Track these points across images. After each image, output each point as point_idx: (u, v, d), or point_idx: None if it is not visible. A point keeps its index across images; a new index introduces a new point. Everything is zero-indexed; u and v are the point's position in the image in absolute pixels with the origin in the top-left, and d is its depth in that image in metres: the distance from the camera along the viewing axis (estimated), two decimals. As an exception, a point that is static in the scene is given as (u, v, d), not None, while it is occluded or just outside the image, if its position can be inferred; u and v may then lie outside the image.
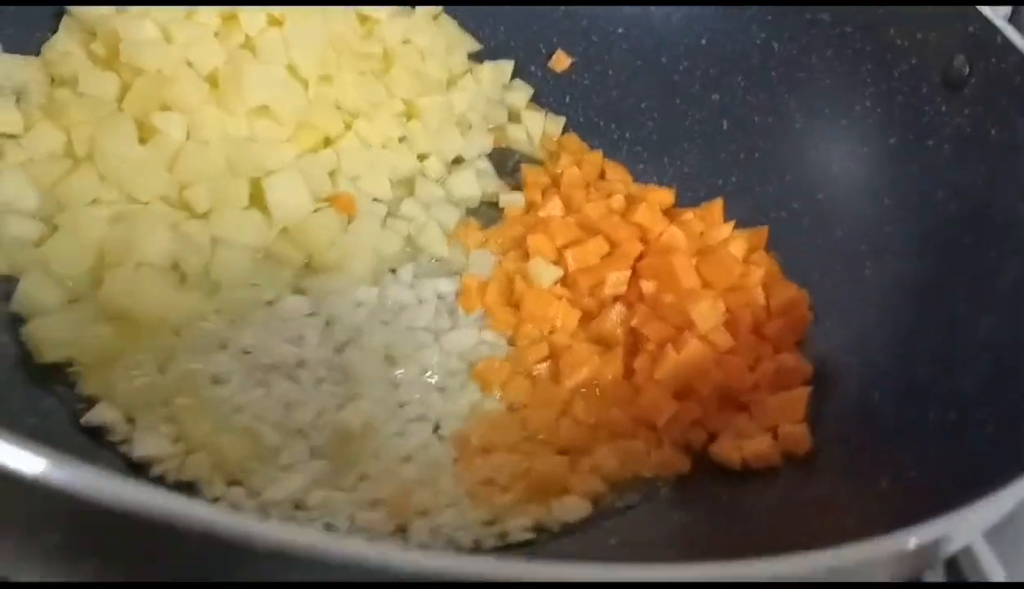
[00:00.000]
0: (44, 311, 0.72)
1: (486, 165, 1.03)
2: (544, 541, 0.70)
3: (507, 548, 0.67)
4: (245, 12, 0.89)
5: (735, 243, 0.90)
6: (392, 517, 0.68)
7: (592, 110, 1.17)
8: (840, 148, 1.04)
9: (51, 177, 0.79)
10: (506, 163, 1.08)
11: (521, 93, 1.13)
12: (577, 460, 0.76)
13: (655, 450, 0.78)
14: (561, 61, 1.17)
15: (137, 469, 0.66)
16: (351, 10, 0.99)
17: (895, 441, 0.72)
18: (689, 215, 0.95)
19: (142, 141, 0.82)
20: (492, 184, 1.01)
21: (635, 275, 0.88)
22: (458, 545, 0.67)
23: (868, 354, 0.84)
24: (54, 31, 0.92)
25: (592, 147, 1.12)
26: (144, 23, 0.86)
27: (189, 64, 0.86)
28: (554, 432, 0.77)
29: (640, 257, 0.89)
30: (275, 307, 0.79)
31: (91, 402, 0.69)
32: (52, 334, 0.70)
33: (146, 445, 0.66)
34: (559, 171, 1.04)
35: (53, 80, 0.87)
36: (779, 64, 1.12)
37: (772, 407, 0.79)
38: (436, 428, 0.75)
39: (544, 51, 1.19)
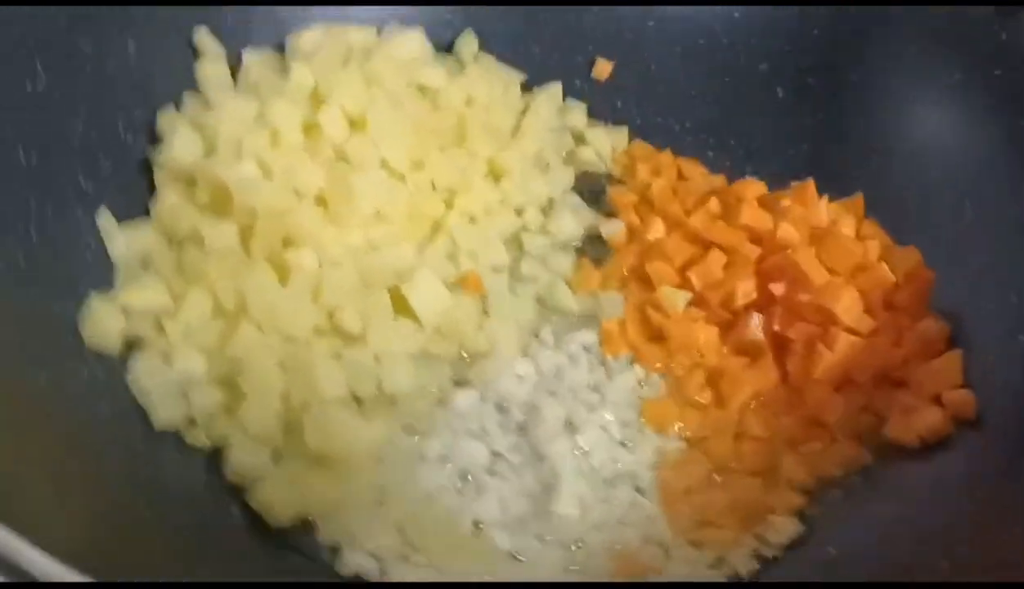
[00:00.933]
0: (259, 475, 0.76)
1: (575, 199, 1.05)
2: (768, 567, 0.75)
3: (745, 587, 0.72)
4: (325, 120, 0.91)
5: (843, 221, 0.93)
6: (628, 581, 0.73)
7: (647, 109, 1.20)
8: (904, 93, 1.07)
9: (213, 339, 0.82)
10: (588, 189, 1.10)
11: (577, 112, 1.16)
12: (769, 479, 0.80)
13: (833, 448, 0.82)
14: (603, 68, 1.19)
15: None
16: (411, 83, 1.00)
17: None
18: (786, 201, 0.98)
19: (281, 281, 0.84)
20: (587, 216, 1.04)
21: (759, 277, 0.91)
22: None
23: (995, 297, 0.88)
24: (150, 188, 0.94)
25: (659, 148, 1.14)
26: (243, 164, 0.88)
27: (296, 192, 0.88)
28: (739, 457, 0.82)
29: (759, 259, 0.92)
30: (449, 407, 0.83)
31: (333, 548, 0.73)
32: (279, 496, 0.74)
33: (404, 574, 0.70)
34: (642, 183, 1.07)
35: (170, 240, 0.89)
36: (820, 22, 1.14)
37: (929, 376, 0.84)
38: (635, 485, 0.79)
39: (583, 61, 1.21)
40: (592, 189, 1.11)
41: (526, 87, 1.17)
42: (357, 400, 0.83)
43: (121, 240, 0.88)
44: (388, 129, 0.93)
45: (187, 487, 0.76)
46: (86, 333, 0.81)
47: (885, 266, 0.89)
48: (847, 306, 0.84)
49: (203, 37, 1.01)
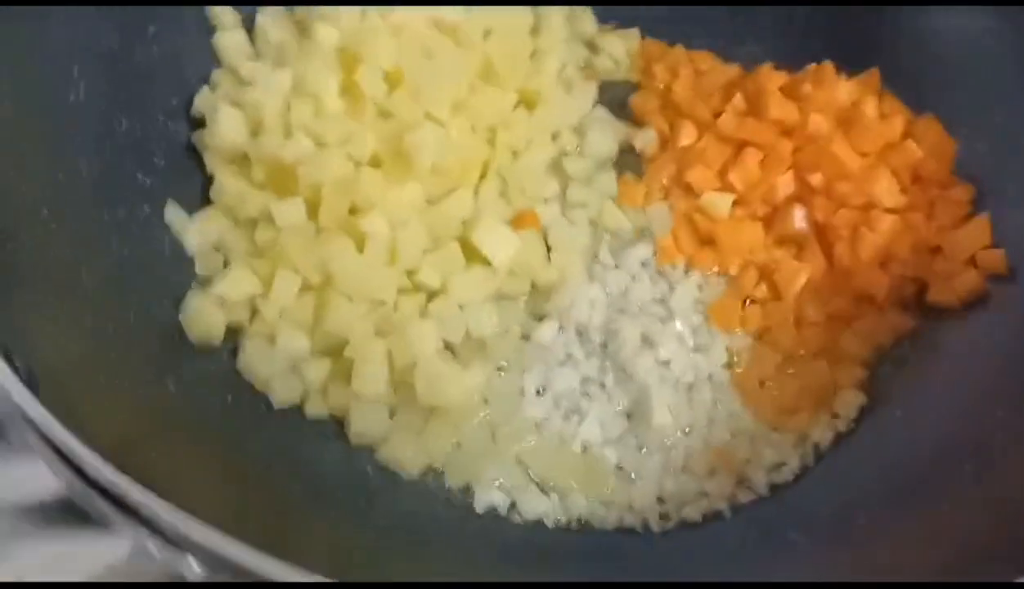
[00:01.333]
0: (382, 435, 0.84)
1: (604, 113, 1.09)
2: (842, 438, 0.85)
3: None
4: (364, 81, 0.94)
5: (865, 101, 0.98)
6: (729, 477, 0.83)
7: (652, 4, 1.21)
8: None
9: (308, 315, 0.88)
10: (610, 99, 1.14)
11: (585, 18, 1.18)
12: (832, 358, 0.90)
13: (883, 319, 0.91)
14: (601, -34, 1.20)
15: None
16: (430, 21, 1.02)
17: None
18: (807, 86, 1.03)
19: (357, 248, 0.89)
20: (618, 129, 1.08)
21: (795, 169, 0.98)
22: (789, 475, 0.82)
23: (1014, 157, 0.95)
24: (202, 171, 0.97)
25: (671, 44, 1.17)
26: (297, 139, 0.91)
27: (351, 158, 0.92)
28: (802, 342, 0.91)
29: (793, 151, 0.98)
30: (534, 341, 0.90)
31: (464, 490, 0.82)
32: (404, 451, 0.83)
33: (533, 505, 0.80)
34: (661, 84, 1.11)
35: (237, 222, 0.94)
36: None
37: (962, 241, 0.92)
38: (715, 384, 0.88)
39: (582, -38, 1.21)
40: (614, 98, 1.14)
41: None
42: (451, 349, 0.89)
43: (192, 231, 0.92)
44: (426, 80, 0.96)
45: (320, 455, 0.84)
46: (191, 331, 0.86)
47: (911, 142, 0.95)
48: (885, 188, 0.91)
49: (216, 8, 1.01)
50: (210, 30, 1.04)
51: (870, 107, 0.97)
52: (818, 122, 0.96)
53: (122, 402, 0.76)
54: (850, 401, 0.86)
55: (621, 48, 1.15)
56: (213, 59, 1.03)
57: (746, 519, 0.81)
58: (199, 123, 1.00)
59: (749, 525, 0.80)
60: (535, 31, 1.11)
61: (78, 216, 0.85)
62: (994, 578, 0.59)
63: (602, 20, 1.20)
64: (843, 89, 1.02)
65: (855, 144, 0.96)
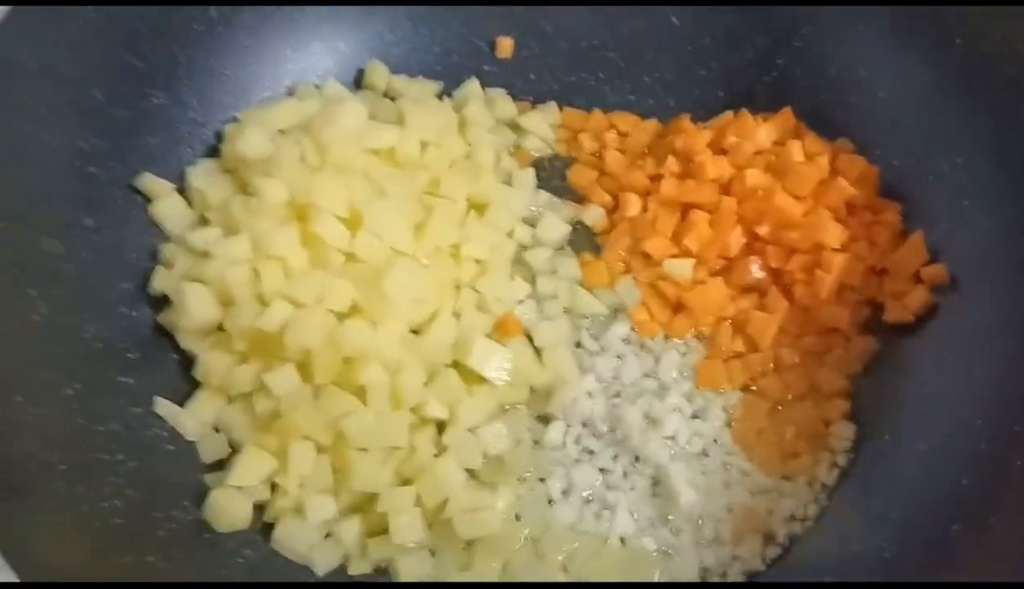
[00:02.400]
0: (434, 578, 0.87)
1: (547, 197, 1.15)
2: (845, 475, 0.94)
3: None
4: (324, 231, 0.96)
5: (791, 147, 1.07)
6: (756, 537, 0.90)
7: (560, 73, 1.27)
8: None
9: (329, 479, 0.90)
10: (549, 177, 1.19)
11: (502, 101, 1.23)
12: (816, 396, 0.98)
13: (850, 347, 1.00)
14: (504, 46, 1.26)
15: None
16: (367, 152, 1.05)
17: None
18: (731, 138, 1.10)
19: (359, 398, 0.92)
20: (565, 210, 1.14)
21: (742, 223, 1.05)
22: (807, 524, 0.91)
23: (933, 171, 1.05)
24: (180, 353, 0.97)
25: (587, 109, 1.23)
26: (276, 307, 0.93)
27: (332, 312, 0.94)
28: (786, 386, 0.99)
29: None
30: (545, 444, 0.95)
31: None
32: None
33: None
34: (590, 154, 1.18)
35: (230, 399, 0.95)
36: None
37: (903, 260, 1.01)
38: (721, 447, 0.95)
39: (485, 47, 1.26)
40: (550, 176, 1.20)
41: (446, 95, 1.21)
42: (473, 476, 0.93)
43: (188, 419, 0.93)
44: (384, 216, 0.98)
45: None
46: (219, 524, 0.87)
47: (840, 179, 1.04)
48: (831, 233, 0.99)
49: (147, 181, 1.01)
50: (145, 202, 1.02)
51: (796, 152, 1.06)
52: (755, 177, 1.04)
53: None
54: (843, 434, 0.95)
55: (544, 124, 1.20)
56: (155, 232, 1.02)
57: (780, 572, 0.88)
58: (160, 301, 0.99)
59: (787, 575, 0.87)
60: (461, 128, 1.15)
61: (74, 445, 0.84)
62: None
63: (515, 98, 1.23)
64: (764, 133, 1.10)
65: (790, 189, 1.04)
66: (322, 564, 0.87)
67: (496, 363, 0.95)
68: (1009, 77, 0.99)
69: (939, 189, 1.04)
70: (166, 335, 0.98)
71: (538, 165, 1.19)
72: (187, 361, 0.97)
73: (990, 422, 0.87)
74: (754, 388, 1.00)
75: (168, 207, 1.02)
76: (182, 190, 1.05)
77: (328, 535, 0.90)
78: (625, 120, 1.21)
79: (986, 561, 0.78)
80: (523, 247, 1.09)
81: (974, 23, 1.00)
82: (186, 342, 0.96)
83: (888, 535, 0.85)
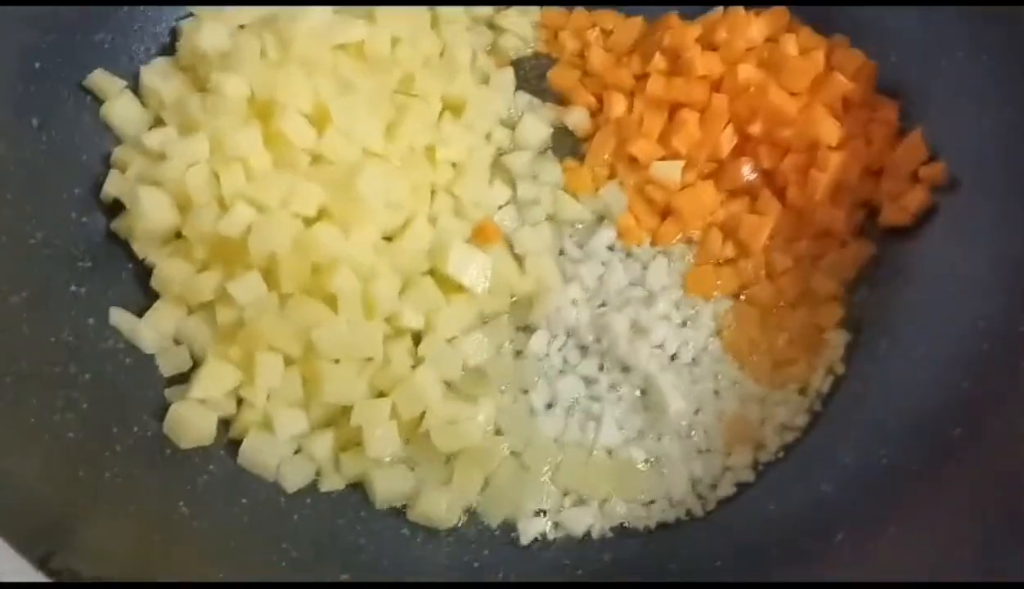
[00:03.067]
0: (409, 494, 0.83)
1: (527, 98, 1.08)
2: (839, 382, 0.90)
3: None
4: (289, 129, 0.89)
5: (785, 41, 1.01)
6: (747, 446, 0.86)
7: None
8: None
9: (299, 392, 0.86)
10: (529, 78, 1.12)
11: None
12: (809, 302, 0.94)
13: (845, 251, 0.96)
14: (480, -60, 1.17)
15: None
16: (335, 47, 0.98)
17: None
18: (722, 33, 1.04)
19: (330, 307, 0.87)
20: (546, 113, 1.07)
21: (733, 122, 1.00)
22: (799, 432, 0.87)
23: (932, 66, 0.99)
24: (137, 263, 0.92)
25: (569, 7, 1.16)
26: (237, 210, 0.86)
27: (298, 216, 0.88)
28: (778, 292, 0.95)
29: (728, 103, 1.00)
30: (528, 354, 0.90)
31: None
32: (437, 505, 0.82)
33: (576, 522, 0.82)
34: (573, 54, 1.11)
35: (191, 309, 0.89)
36: None
37: (901, 159, 0.97)
38: (712, 355, 0.91)
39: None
40: (530, 77, 1.13)
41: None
42: (452, 388, 0.88)
43: (146, 331, 0.87)
44: (353, 113, 0.92)
45: (352, 527, 0.82)
46: (181, 440, 0.82)
47: (837, 73, 0.98)
48: (828, 129, 0.94)
49: (97, 78, 0.94)
50: (96, 104, 0.95)
51: (790, 46, 1.00)
52: (747, 72, 0.98)
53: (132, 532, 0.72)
54: (837, 342, 0.91)
55: (523, 22, 1.14)
56: (108, 135, 0.95)
57: (776, 481, 0.84)
58: (114, 208, 0.92)
59: (780, 486, 0.84)
60: (435, 26, 1.07)
61: (21, 356, 0.78)
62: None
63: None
64: (756, 29, 1.04)
65: (785, 85, 0.98)
66: (292, 481, 0.83)
67: (475, 270, 0.90)
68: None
69: (938, 86, 0.99)
70: (121, 243, 0.92)
71: (517, 65, 1.13)
72: (144, 270, 0.91)
73: (992, 322, 0.84)
74: (745, 295, 0.95)
75: (120, 107, 0.95)
76: (135, 89, 0.97)
77: (298, 450, 0.85)
78: (609, 17, 1.14)
79: (988, 464, 0.74)
80: (502, 151, 1.03)
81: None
82: (142, 250, 0.90)
83: (886, 442, 0.82)
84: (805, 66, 0.99)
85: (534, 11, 1.15)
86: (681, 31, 1.05)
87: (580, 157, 1.05)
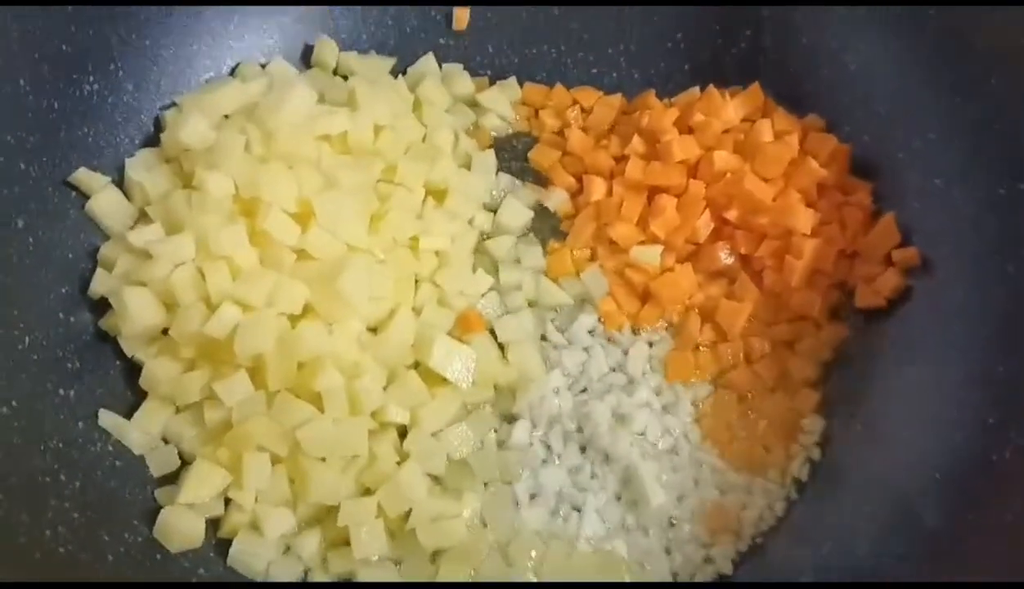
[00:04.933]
0: None
1: (509, 181, 1.10)
2: (816, 469, 0.92)
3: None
4: (273, 227, 0.91)
5: (760, 126, 1.03)
6: (729, 537, 0.88)
7: (519, 46, 1.22)
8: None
9: (286, 491, 0.86)
10: (510, 159, 1.14)
11: (460, 78, 1.18)
12: (787, 387, 0.96)
13: (821, 334, 0.98)
14: (461, 17, 1.20)
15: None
16: (329, 142, 1.00)
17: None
18: (698, 116, 1.06)
19: (314, 404, 0.88)
20: (527, 194, 1.09)
21: (710, 207, 1.02)
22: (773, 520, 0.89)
23: (903, 148, 1.02)
24: (123, 359, 0.92)
25: (548, 83, 1.18)
26: (224, 310, 0.88)
27: (284, 315, 0.89)
28: (756, 377, 0.97)
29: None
30: (511, 445, 0.92)
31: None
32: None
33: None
34: (552, 132, 1.13)
35: (178, 409, 0.90)
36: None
37: (874, 242, 0.99)
38: (691, 442, 0.93)
39: (440, 18, 1.20)
40: (512, 157, 1.15)
41: (399, 72, 1.16)
42: (437, 481, 0.90)
43: (134, 432, 0.89)
44: (337, 209, 0.94)
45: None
46: (171, 544, 0.83)
47: (811, 160, 1.01)
48: (803, 218, 0.96)
49: (82, 175, 0.95)
50: (81, 199, 0.96)
51: (765, 131, 1.02)
52: (724, 159, 1.00)
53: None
54: (812, 428, 0.94)
55: (504, 101, 1.16)
56: (94, 229, 0.96)
57: (753, 571, 0.87)
58: (101, 304, 0.93)
59: (757, 577, 0.86)
60: (416, 109, 1.09)
61: (12, 469, 0.79)
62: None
63: (473, 73, 1.18)
64: (731, 110, 1.06)
65: (760, 171, 1.00)
66: (282, 579, 0.84)
67: (459, 364, 0.92)
68: (982, 51, 0.95)
69: (911, 167, 1.01)
70: (108, 341, 0.94)
71: (498, 145, 1.14)
72: (132, 369, 0.92)
73: (964, 412, 0.85)
74: (724, 380, 0.97)
75: (105, 202, 0.97)
76: (120, 183, 0.99)
77: (287, 549, 0.86)
78: (588, 95, 1.17)
79: (965, 557, 0.76)
80: (484, 235, 1.04)
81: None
82: (129, 349, 0.92)
83: (862, 531, 0.84)
84: (780, 152, 1.01)
85: (514, 88, 1.17)
86: (659, 113, 1.08)
87: (561, 236, 1.07)
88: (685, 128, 1.08)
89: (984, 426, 0.84)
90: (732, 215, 1.01)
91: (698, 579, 0.88)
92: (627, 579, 0.87)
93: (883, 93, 1.05)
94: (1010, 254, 0.87)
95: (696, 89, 1.11)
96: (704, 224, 1.02)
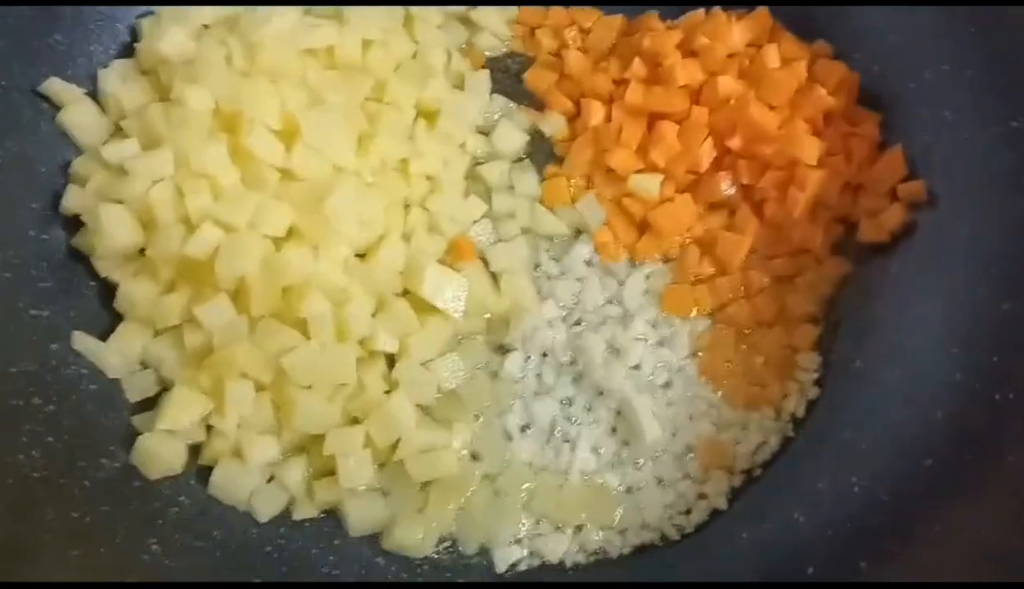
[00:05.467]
0: (383, 523, 0.83)
1: (503, 102, 1.05)
2: (813, 406, 0.90)
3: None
4: (257, 145, 0.87)
5: (767, 52, 0.99)
6: (723, 472, 0.87)
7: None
8: None
9: (270, 419, 0.84)
10: (501, 81, 1.09)
11: (455, -3, 1.11)
12: (785, 322, 0.94)
13: (821, 269, 0.95)
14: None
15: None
16: (315, 56, 0.95)
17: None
18: (702, 39, 1.02)
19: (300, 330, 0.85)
20: (522, 118, 1.05)
21: (712, 134, 0.98)
22: (768, 454, 0.87)
23: (912, 79, 0.98)
24: (99, 280, 0.89)
25: (546, 3, 1.13)
26: (204, 230, 0.84)
27: (268, 237, 0.85)
28: (755, 312, 0.94)
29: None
30: (503, 376, 0.90)
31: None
32: (412, 532, 0.82)
33: (551, 549, 0.82)
34: (549, 53, 1.08)
35: (157, 332, 0.87)
36: None
37: (880, 175, 0.96)
38: (686, 377, 0.91)
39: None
40: (506, 77, 1.10)
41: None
42: (427, 412, 0.87)
43: (110, 356, 0.85)
44: (323, 127, 0.89)
45: (324, 559, 0.82)
46: (149, 471, 0.81)
47: (819, 88, 0.97)
48: (808, 148, 0.93)
49: (53, 86, 0.90)
50: (54, 110, 0.91)
51: (772, 57, 0.98)
52: (728, 84, 0.96)
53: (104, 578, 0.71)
54: (809, 364, 0.92)
55: (498, 19, 1.11)
56: (67, 143, 0.91)
57: (749, 508, 0.85)
58: (75, 221, 0.89)
59: (754, 514, 0.85)
60: (407, 25, 1.04)
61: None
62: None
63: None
64: (737, 34, 1.02)
65: (765, 98, 0.97)
66: (264, 510, 0.82)
67: (451, 293, 0.89)
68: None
69: (921, 99, 0.98)
70: (83, 259, 0.89)
71: (492, 66, 1.09)
72: (107, 289, 0.88)
73: (966, 350, 0.83)
74: (722, 315, 0.94)
75: (78, 115, 0.92)
76: (95, 94, 0.93)
77: (271, 478, 0.83)
78: (587, 15, 1.12)
79: (965, 494, 0.75)
80: (477, 160, 1.00)
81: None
82: (104, 269, 0.87)
83: (859, 468, 0.82)
84: (787, 79, 0.97)
85: (511, 7, 1.11)
86: (661, 35, 1.03)
87: (557, 162, 1.03)
88: (688, 52, 1.03)
89: (987, 364, 0.81)
90: (735, 143, 0.97)
91: (693, 514, 0.86)
92: (619, 513, 0.85)
93: (895, 21, 1.01)
94: (1023, 188, 0.84)
95: (701, 11, 1.06)
96: (706, 152, 0.98)
